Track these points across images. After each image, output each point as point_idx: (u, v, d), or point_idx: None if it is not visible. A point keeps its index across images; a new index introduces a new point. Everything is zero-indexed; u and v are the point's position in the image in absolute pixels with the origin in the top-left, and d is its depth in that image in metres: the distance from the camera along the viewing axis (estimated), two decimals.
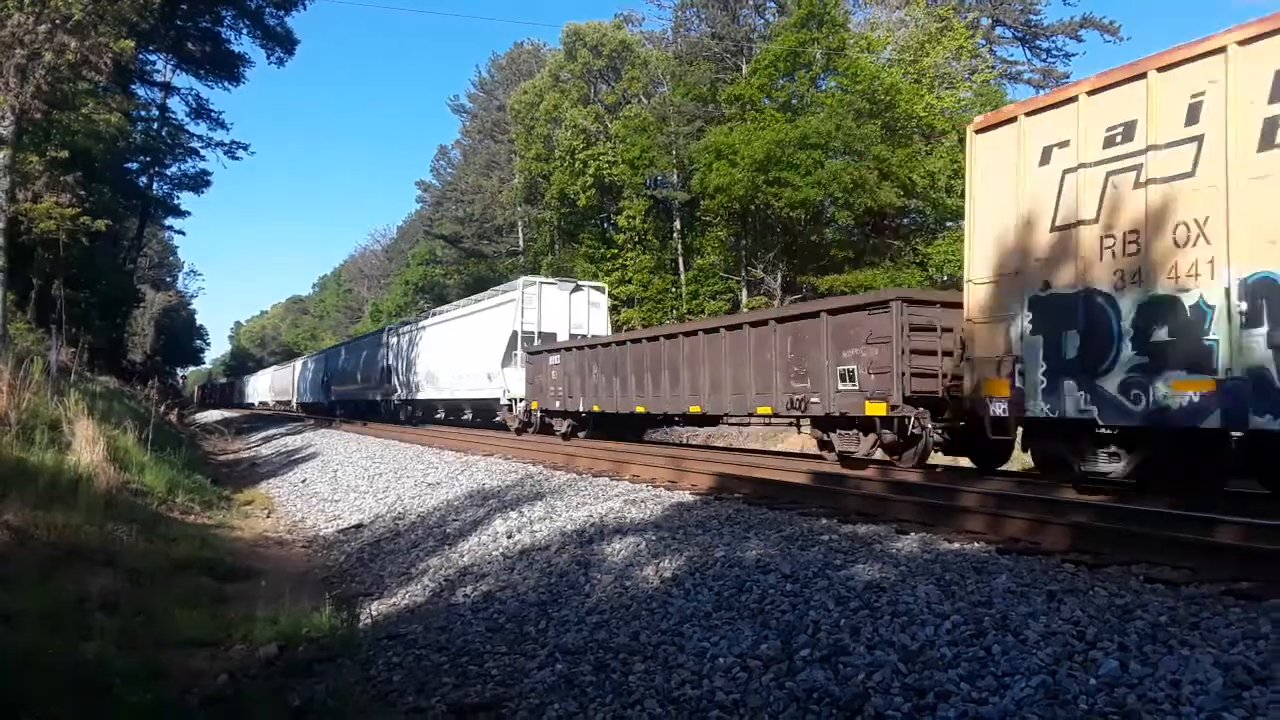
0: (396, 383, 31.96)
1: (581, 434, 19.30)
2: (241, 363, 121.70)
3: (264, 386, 69.53)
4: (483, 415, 26.77)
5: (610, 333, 22.92)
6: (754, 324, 13.05)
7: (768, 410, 12.49)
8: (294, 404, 54.99)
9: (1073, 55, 42.56)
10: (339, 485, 15.08)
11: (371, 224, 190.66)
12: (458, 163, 65.89)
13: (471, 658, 5.63)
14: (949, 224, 30.58)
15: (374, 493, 13.44)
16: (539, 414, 20.41)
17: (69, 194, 19.22)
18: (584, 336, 20.95)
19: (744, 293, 34.95)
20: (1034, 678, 3.85)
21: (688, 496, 9.20)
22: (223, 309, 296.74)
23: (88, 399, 13.07)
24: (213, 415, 54.28)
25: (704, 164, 31.84)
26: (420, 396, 29.68)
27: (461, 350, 25.09)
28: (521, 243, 54.03)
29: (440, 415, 30.62)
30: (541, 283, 22.34)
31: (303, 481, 16.61)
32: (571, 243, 43.65)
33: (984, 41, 37.75)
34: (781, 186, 28.86)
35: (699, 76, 36.98)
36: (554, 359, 19.29)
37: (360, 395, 37.61)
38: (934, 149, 29.88)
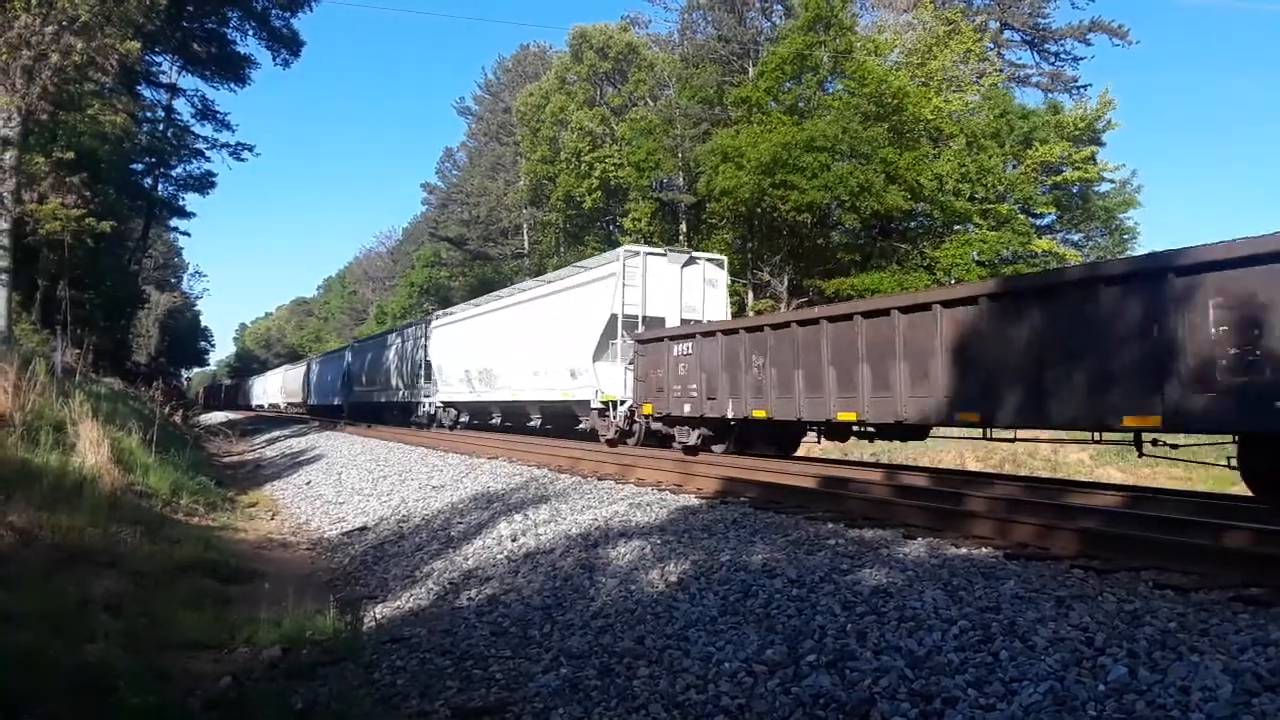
0: (436, 383, 27.63)
1: (718, 448, 14.65)
2: (246, 364, 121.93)
3: (274, 388, 66.85)
4: (557, 421, 21.39)
5: (729, 317, 18.15)
6: (1126, 279, 7.82)
7: (1142, 420, 7.50)
8: (307, 407, 51.11)
9: (1081, 59, 42.38)
10: (343, 488, 15.09)
11: (376, 226, 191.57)
12: (463, 165, 65.94)
13: (475, 661, 5.61)
14: (956, 227, 30.55)
15: (378, 495, 13.44)
16: (648, 420, 15.91)
17: (74, 195, 19.19)
18: (698, 322, 16.47)
19: (750, 295, 34.94)
20: (1042, 684, 3.83)
21: (693, 500, 9.18)
22: (227, 310, 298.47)
23: (92, 400, 13.09)
24: (217, 417, 54.38)
25: (710, 167, 31.84)
26: (468, 399, 25.34)
27: (535, 341, 20.37)
28: (527, 245, 54.11)
29: (495, 421, 25.05)
30: (646, 253, 17.57)
31: (307, 484, 16.62)
32: (577, 245, 43.68)
33: (992, 45, 37.68)
34: (788, 189, 28.85)
35: (705, 79, 36.98)
36: (682, 348, 14.73)
37: (387, 397, 33.33)
38: (941, 152, 29.84)
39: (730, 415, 13.39)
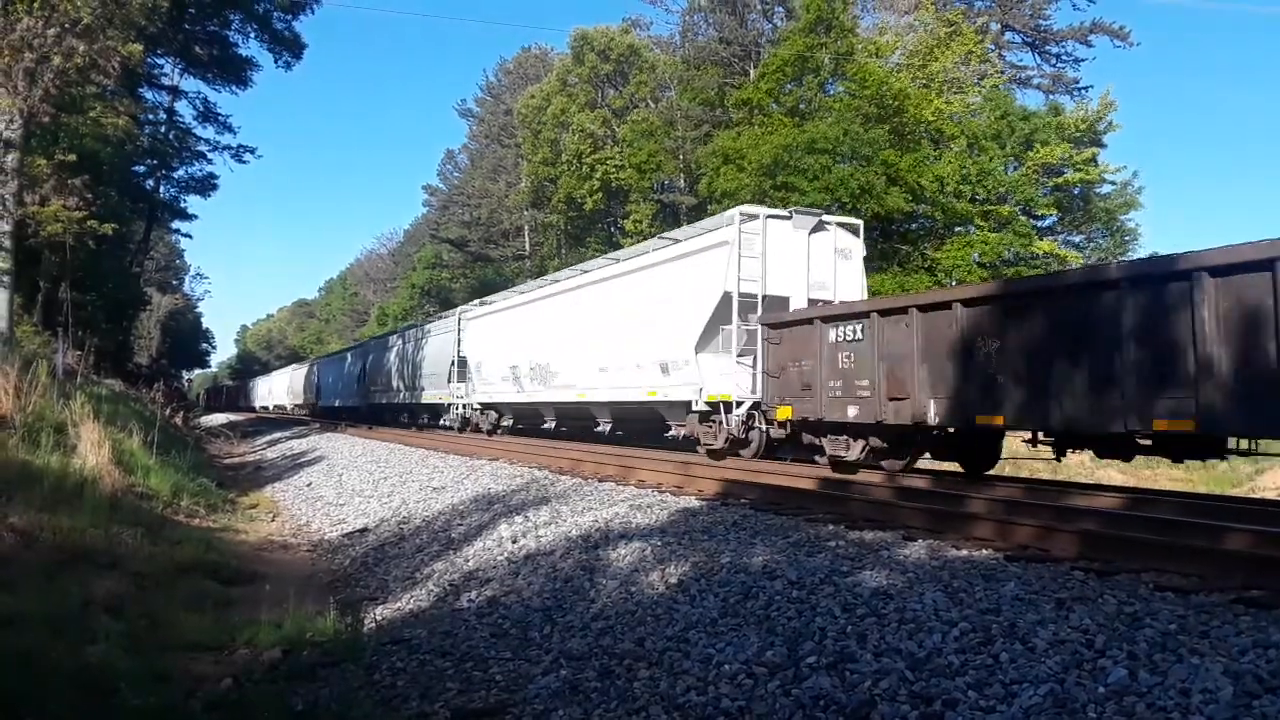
0: (472, 382, 24.30)
1: (891, 463, 11.35)
2: (247, 366, 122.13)
3: (280, 388, 65.11)
4: (634, 427, 18.04)
5: (866, 296, 14.59)
6: None
7: None
8: (317, 409, 48.49)
9: (1082, 60, 42.35)
10: (344, 489, 15.09)
11: (378, 228, 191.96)
12: (464, 167, 66.06)
13: (476, 663, 5.61)
14: (957, 229, 30.53)
15: (379, 497, 13.44)
16: (769, 427, 12.82)
17: (76, 197, 19.21)
18: (827, 303, 13.26)
19: None
20: (1042, 686, 3.82)
21: (694, 502, 9.17)
22: (229, 312, 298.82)
23: (93, 402, 13.10)
24: (218, 418, 54.40)
25: (711, 168, 31.85)
26: (514, 399, 21.89)
27: (611, 330, 16.91)
28: (528, 247, 54.20)
29: (549, 425, 21.41)
30: (767, 215, 13.95)
31: (308, 485, 16.62)
32: (578, 247, 43.74)
33: (993, 46, 37.65)
34: (789, 191, 28.81)
35: (706, 81, 37.02)
36: (844, 331, 11.24)
37: (410, 398, 30.28)
38: (942, 154, 29.84)
39: (933, 420, 9.87)
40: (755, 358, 13.30)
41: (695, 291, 14.32)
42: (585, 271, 19.87)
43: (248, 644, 6.13)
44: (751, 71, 36.77)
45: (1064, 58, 42.78)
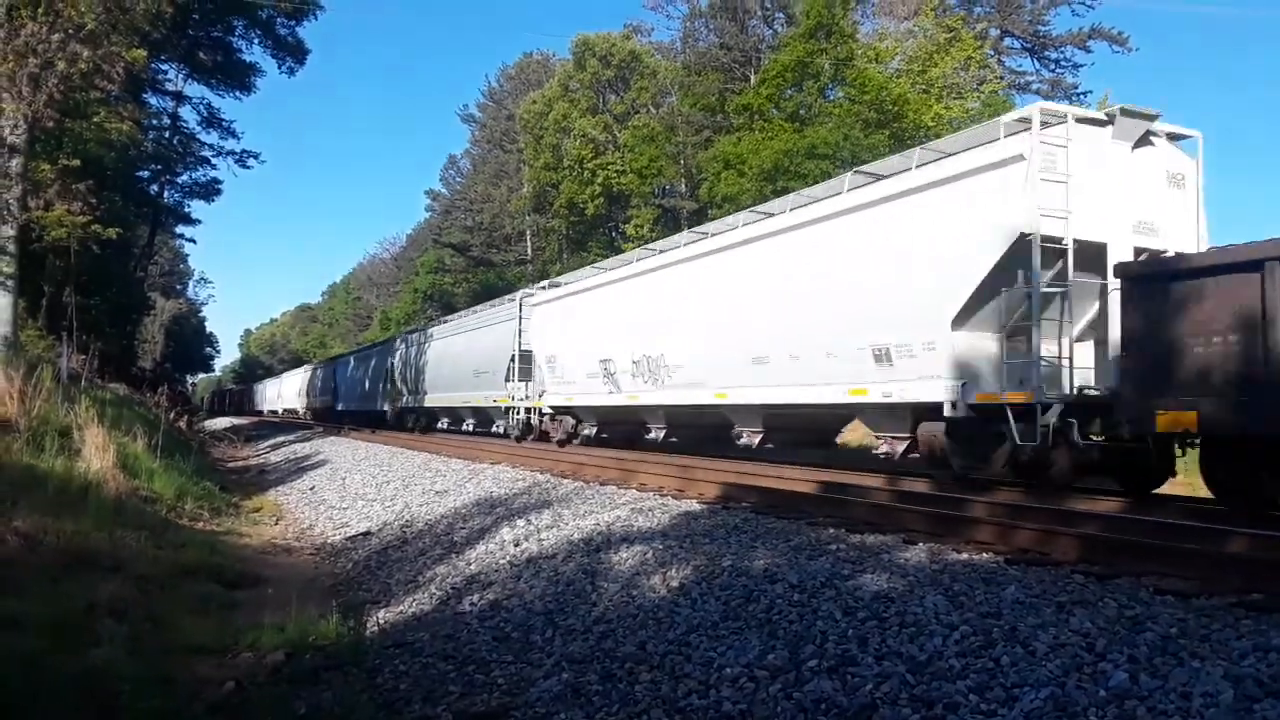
0: (540, 381, 20.28)
1: None
2: (251, 370, 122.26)
3: (291, 392, 61.49)
4: (792, 436, 13.96)
5: (1204, 232, 9.79)
6: None
7: None
8: (334, 413, 43.68)
9: (1081, 66, 42.35)
10: (347, 493, 15.10)
11: (380, 232, 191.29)
12: (467, 172, 66.12)
13: (478, 666, 5.63)
14: None
15: (382, 500, 13.45)
16: (1165, 441, 8.27)
17: (80, 202, 19.22)
18: (1155, 253, 9.16)
19: None
20: (1043, 689, 3.83)
21: (695, 505, 9.19)
22: (232, 317, 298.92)
23: (98, 406, 13.13)
24: (222, 422, 54.43)
25: (712, 173, 31.90)
26: (604, 402, 17.72)
27: (784, 303, 12.25)
28: (530, 251, 54.22)
29: (656, 435, 16.77)
30: (1076, 118, 9.33)
31: (311, 489, 16.63)
32: (580, 251, 43.78)
33: (992, 52, 37.70)
34: None
35: (707, 86, 37.08)
36: None
37: (454, 401, 26.17)
38: None
39: None
40: (1030, 335, 8.95)
41: (956, 236, 9.64)
42: (714, 235, 14.91)
43: (251, 647, 6.14)
44: (752, 77, 36.82)
45: (1063, 63, 42.78)
